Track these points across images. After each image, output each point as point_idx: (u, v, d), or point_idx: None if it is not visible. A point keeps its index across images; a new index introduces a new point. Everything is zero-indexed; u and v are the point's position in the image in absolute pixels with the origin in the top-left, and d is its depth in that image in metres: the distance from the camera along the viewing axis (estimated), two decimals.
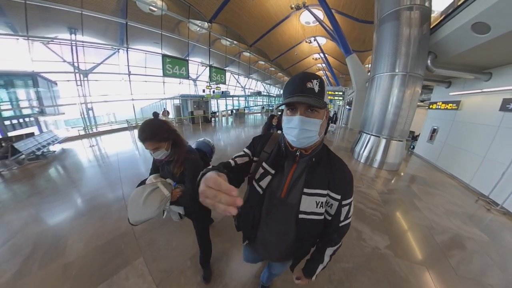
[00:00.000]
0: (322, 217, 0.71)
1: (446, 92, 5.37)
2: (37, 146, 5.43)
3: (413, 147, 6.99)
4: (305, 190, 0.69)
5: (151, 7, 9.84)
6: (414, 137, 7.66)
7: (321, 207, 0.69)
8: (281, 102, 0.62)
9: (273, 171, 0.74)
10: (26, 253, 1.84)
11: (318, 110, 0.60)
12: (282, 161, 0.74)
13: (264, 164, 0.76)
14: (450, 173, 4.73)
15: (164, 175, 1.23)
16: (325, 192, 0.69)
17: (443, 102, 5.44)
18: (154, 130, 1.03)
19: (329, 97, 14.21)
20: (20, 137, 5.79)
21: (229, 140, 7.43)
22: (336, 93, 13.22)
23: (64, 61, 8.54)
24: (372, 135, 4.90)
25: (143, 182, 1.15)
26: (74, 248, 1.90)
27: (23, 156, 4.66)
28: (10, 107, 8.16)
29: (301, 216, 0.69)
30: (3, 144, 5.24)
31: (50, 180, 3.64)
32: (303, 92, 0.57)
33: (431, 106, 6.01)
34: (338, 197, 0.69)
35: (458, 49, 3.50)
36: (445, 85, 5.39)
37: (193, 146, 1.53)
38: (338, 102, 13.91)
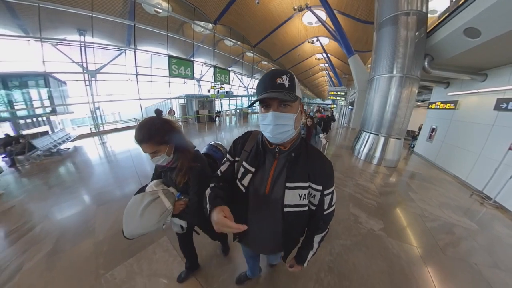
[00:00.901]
0: (306, 208, 0.74)
1: (444, 92, 5.53)
2: (53, 143, 5.76)
3: (413, 146, 7.14)
4: (288, 184, 0.70)
5: (156, 9, 10.04)
6: (414, 136, 7.80)
7: (304, 199, 0.72)
8: (253, 100, 0.63)
9: (253, 169, 0.76)
10: (57, 234, 2.09)
11: (290, 104, 0.62)
12: (261, 158, 0.76)
13: (244, 163, 0.79)
14: (447, 171, 4.90)
15: (167, 182, 1.08)
16: (306, 184, 0.71)
17: (441, 102, 5.60)
18: (152, 131, 0.86)
19: (331, 97, 14.34)
20: (35, 135, 6.15)
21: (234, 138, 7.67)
22: (339, 93, 13.38)
23: (73, 61, 8.84)
24: (371, 133, 5.11)
25: (142, 189, 1.02)
26: (101, 230, 2.15)
27: (39, 152, 4.97)
28: (24, 106, 8.52)
29: (286, 209, 0.72)
30: (20, 141, 5.60)
31: (69, 174, 3.95)
32: (273, 88, 0.59)
33: (430, 106, 6.17)
34: (320, 187, 0.72)
35: (453, 51, 3.69)
36: (444, 86, 5.55)
37: (203, 150, 1.36)
38: (340, 102, 14.07)
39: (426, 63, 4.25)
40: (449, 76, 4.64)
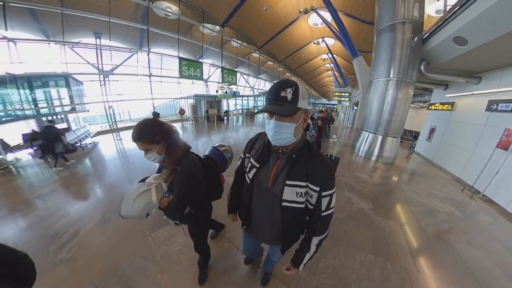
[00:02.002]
0: (303, 205, 0.81)
1: (443, 94, 5.78)
2: (78, 138, 6.34)
3: (414, 146, 7.37)
4: (287, 182, 0.78)
5: (165, 12, 10.39)
6: (415, 137, 8.01)
7: (301, 197, 0.79)
8: (260, 109, 0.74)
9: (257, 165, 0.87)
10: (103, 208, 2.55)
11: (292, 115, 0.67)
12: (265, 156, 0.86)
13: (251, 159, 0.92)
14: (443, 168, 5.18)
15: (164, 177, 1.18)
16: (304, 184, 0.77)
17: (440, 103, 5.85)
18: (144, 131, 0.96)
19: (335, 98, 14.51)
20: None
21: (244, 137, 8.13)
22: (343, 94, 13.60)
23: (88, 62, 9.40)
24: (370, 132, 5.45)
25: (144, 180, 1.12)
26: None
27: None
28: (47, 104, 9.18)
29: (284, 204, 0.80)
30: None
31: (97, 164, 4.48)
32: (276, 101, 0.67)
33: (430, 107, 6.41)
34: (317, 188, 0.77)
35: (446, 57, 4.00)
36: (443, 88, 5.80)
37: (206, 152, 1.47)
38: (344, 103, 14.28)
39: (422, 67, 4.56)
40: (445, 79, 4.93)
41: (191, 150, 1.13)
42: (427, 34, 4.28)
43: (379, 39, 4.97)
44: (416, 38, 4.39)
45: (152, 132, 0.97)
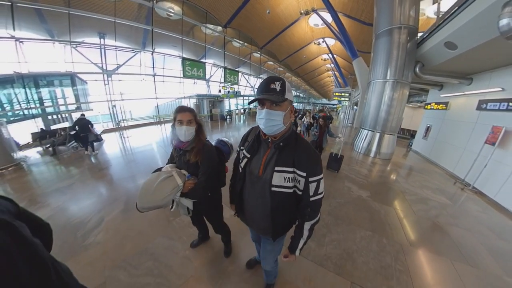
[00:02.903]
0: (291, 190, 0.87)
1: (438, 94, 6.10)
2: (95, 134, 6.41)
3: (411, 144, 7.69)
4: (276, 168, 0.85)
5: (168, 13, 10.44)
6: (412, 135, 8.33)
7: (289, 182, 0.85)
8: (252, 99, 0.82)
9: (248, 155, 0.97)
10: (124, 199, 2.72)
11: (280, 104, 0.78)
12: (256, 147, 0.95)
13: (243, 150, 1.01)
14: (438, 164, 5.51)
15: (180, 165, 1.27)
16: (291, 169, 0.84)
17: (435, 103, 6.17)
18: (191, 108, 1.18)
19: (335, 98, 14.84)
20: (63, 129, 6.79)
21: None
22: (343, 94, 13.91)
23: (91, 62, 9.39)
24: (369, 130, 5.79)
25: (158, 170, 1.18)
26: None
27: (75, 144, 5.56)
28: (54, 103, 9.26)
29: (273, 189, 0.86)
30: (62, 133, 6.33)
31: (111, 160, 4.65)
32: (267, 92, 0.78)
33: (426, 107, 6.73)
34: (304, 174, 0.83)
35: (438, 60, 4.32)
36: (438, 88, 6.12)
37: (214, 143, 1.57)
38: (344, 103, 14.60)
39: (417, 69, 4.89)
40: (439, 80, 5.25)
41: None
42: (421, 39, 4.60)
43: (377, 43, 5.30)
44: (411, 42, 4.72)
45: (196, 113, 1.20)
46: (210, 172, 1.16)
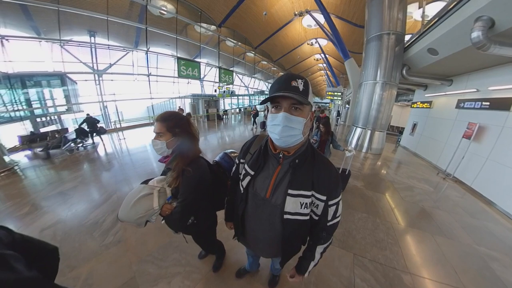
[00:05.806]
0: (308, 217, 0.72)
1: (423, 94, 6.63)
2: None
3: (400, 140, 8.25)
4: (289, 191, 0.69)
5: (160, 11, 10.08)
6: (401, 132, 8.92)
7: (306, 208, 0.70)
8: (266, 97, 0.63)
9: (252, 173, 0.77)
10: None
11: (301, 108, 0.61)
12: (261, 162, 0.76)
13: (246, 165, 0.81)
14: (424, 157, 6.04)
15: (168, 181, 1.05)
16: (309, 193, 0.69)
17: (421, 102, 6.70)
18: (170, 117, 0.94)
19: (328, 97, 15.33)
20: (64, 131, 6.65)
21: (247, 134, 8.69)
22: (336, 93, 14.47)
23: (80, 61, 8.92)
24: (361, 127, 6.27)
25: (147, 182, 1.04)
26: None
27: (72, 146, 5.46)
28: (43, 105, 8.70)
29: (286, 216, 0.70)
30: (56, 136, 6.16)
31: (109, 162, 4.48)
32: (288, 90, 0.58)
33: (412, 105, 7.27)
34: (324, 197, 0.69)
35: (422, 63, 4.79)
36: (423, 88, 6.65)
37: (216, 158, 1.32)
38: (337, 102, 15.20)
39: (404, 71, 5.37)
40: (424, 82, 5.76)
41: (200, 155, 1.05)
42: (408, 44, 5.06)
43: (368, 46, 5.75)
44: (398, 47, 5.18)
45: (175, 122, 0.94)
46: (189, 202, 0.96)
